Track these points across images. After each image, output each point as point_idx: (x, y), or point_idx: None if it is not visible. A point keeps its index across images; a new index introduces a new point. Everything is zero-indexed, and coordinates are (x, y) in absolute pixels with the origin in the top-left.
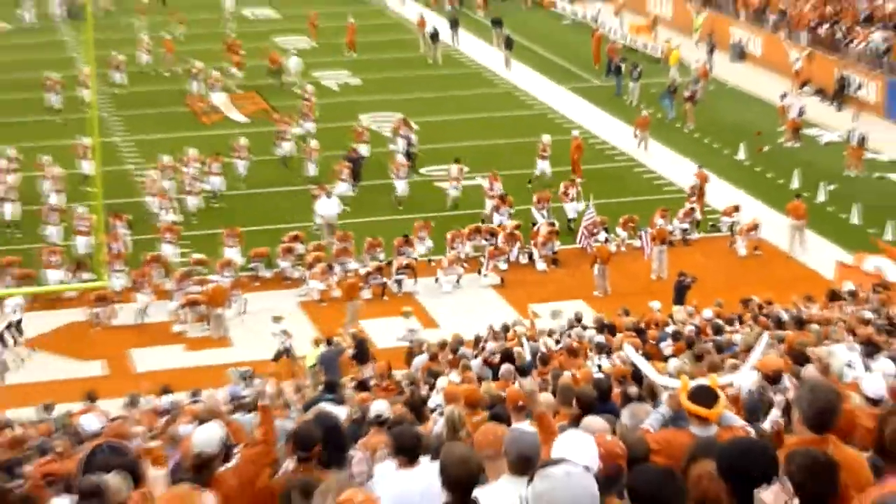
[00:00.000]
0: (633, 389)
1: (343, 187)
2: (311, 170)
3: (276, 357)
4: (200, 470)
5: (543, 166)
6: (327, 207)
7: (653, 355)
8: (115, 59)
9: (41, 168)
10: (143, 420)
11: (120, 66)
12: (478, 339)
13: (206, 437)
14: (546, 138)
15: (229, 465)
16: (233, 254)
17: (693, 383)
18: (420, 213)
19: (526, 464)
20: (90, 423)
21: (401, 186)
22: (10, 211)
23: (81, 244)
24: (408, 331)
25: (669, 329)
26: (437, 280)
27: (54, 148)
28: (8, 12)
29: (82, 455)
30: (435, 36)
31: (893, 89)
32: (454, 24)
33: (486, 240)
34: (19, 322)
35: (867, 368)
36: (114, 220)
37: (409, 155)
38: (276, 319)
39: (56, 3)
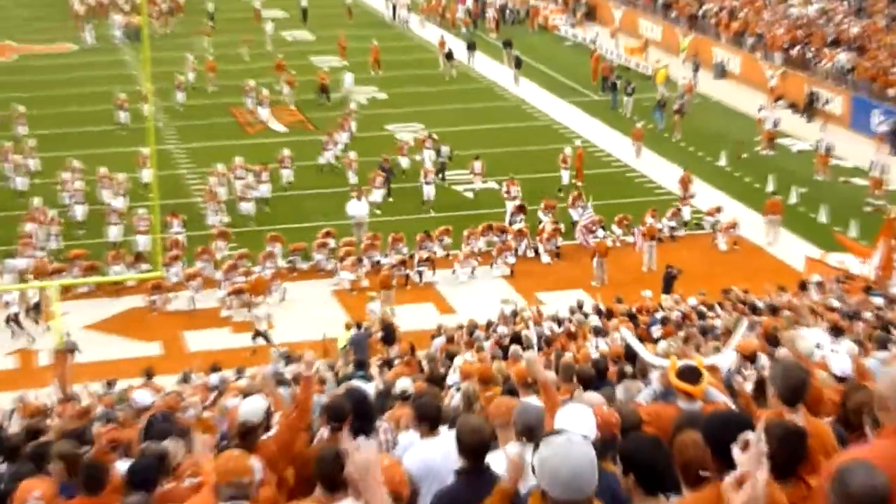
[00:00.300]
0: (627, 368)
1: (377, 195)
2: (352, 177)
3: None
4: (245, 437)
5: (565, 176)
6: (357, 208)
7: (644, 338)
8: (176, 79)
9: (100, 178)
10: (195, 394)
11: (181, 86)
12: (490, 324)
13: (251, 408)
14: (568, 150)
15: (270, 433)
16: (275, 249)
17: (680, 363)
18: (441, 213)
19: (531, 433)
20: (143, 397)
21: (428, 191)
22: (80, 212)
23: (141, 242)
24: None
25: (659, 315)
26: (454, 272)
27: (116, 154)
28: (72, 35)
29: (141, 424)
30: (450, 55)
31: (857, 103)
32: (471, 47)
33: (497, 236)
34: (37, 305)
35: (833, 350)
36: (171, 218)
37: (441, 166)
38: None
39: (115, 27)
